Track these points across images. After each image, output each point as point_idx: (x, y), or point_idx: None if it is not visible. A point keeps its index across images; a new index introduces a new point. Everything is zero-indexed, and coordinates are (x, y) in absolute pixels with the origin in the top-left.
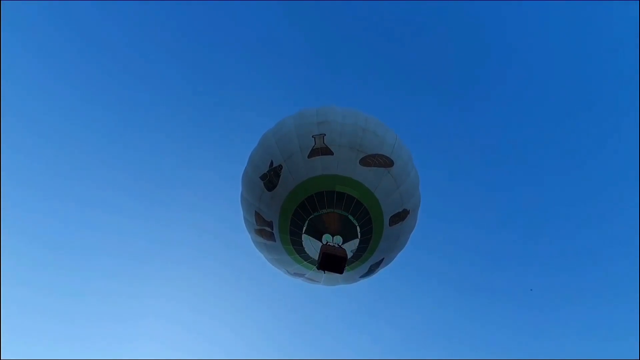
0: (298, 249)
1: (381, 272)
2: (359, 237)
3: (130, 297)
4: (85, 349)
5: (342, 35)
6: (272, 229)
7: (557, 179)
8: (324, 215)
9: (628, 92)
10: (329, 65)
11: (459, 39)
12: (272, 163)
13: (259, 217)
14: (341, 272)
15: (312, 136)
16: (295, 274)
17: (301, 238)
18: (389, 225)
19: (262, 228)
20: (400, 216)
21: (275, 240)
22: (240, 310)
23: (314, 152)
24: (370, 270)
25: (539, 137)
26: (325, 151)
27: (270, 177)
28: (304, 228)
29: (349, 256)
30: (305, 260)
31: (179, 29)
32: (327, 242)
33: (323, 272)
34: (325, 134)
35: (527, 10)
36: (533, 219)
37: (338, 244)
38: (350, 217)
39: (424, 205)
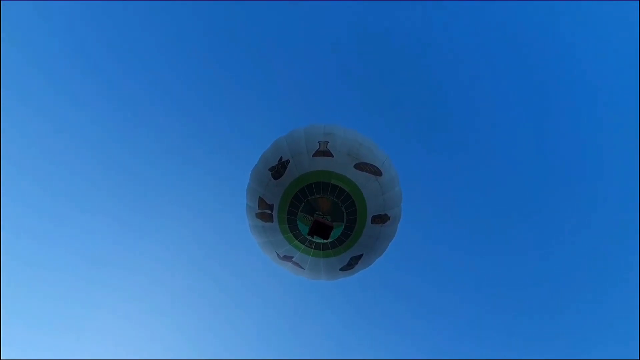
0: (292, 227)
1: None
2: (345, 222)
3: (130, 297)
4: (86, 349)
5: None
6: (272, 211)
7: (556, 178)
8: (319, 199)
9: (628, 93)
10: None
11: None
12: (281, 158)
13: (261, 202)
14: (327, 239)
15: (318, 142)
16: (285, 257)
17: (296, 217)
18: (371, 223)
19: (263, 211)
20: (382, 219)
21: (272, 221)
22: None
23: (318, 153)
24: (350, 264)
25: (537, 135)
26: (327, 154)
27: (278, 169)
28: (300, 207)
29: (332, 239)
30: (296, 239)
31: (183, 33)
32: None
33: (312, 237)
34: (329, 142)
35: (526, 10)
36: (532, 218)
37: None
38: (340, 205)
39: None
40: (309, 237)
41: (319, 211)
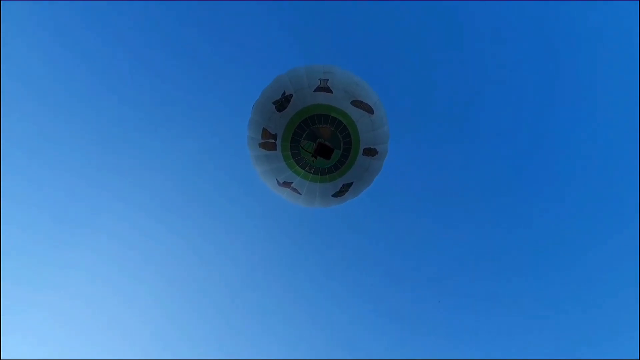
0: (294, 153)
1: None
2: (341, 150)
3: (130, 295)
4: (86, 349)
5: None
6: (276, 140)
7: (556, 176)
8: (320, 128)
9: (628, 93)
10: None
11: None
12: (284, 93)
13: (265, 132)
14: (329, 159)
15: (318, 79)
16: (284, 184)
17: (299, 144)
18: (363, 154)
19: (267, 141)
20: (371, 152)
21: (276, 149)
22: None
23: (319, 89)
24: (341, 191)
25: (537, 135)
26: (327, 90)
27: (281, 102)
28: (304, 135)
29: (331, 163)
30: (298, 165)
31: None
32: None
33: (315, 158)
34: (328, 79)
35: (525, 10)
36: (531, 217)
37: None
38: (338, 134)
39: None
40: (313, 159)
41: (320, 137)
